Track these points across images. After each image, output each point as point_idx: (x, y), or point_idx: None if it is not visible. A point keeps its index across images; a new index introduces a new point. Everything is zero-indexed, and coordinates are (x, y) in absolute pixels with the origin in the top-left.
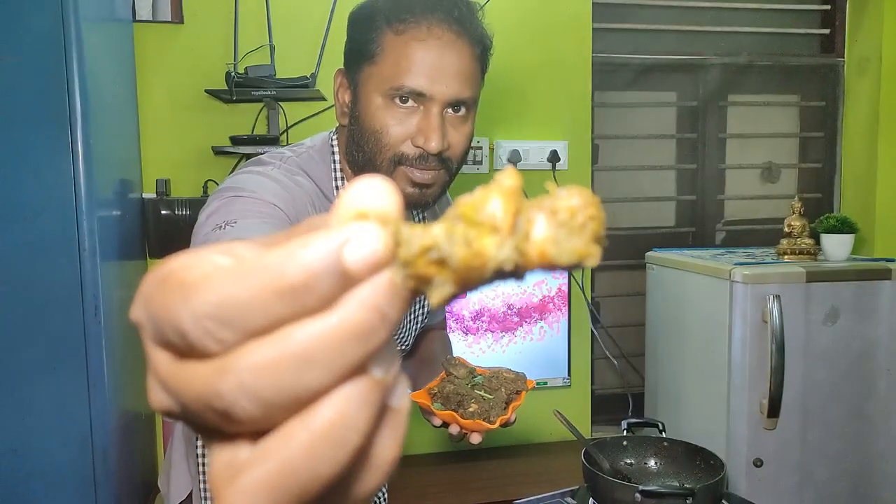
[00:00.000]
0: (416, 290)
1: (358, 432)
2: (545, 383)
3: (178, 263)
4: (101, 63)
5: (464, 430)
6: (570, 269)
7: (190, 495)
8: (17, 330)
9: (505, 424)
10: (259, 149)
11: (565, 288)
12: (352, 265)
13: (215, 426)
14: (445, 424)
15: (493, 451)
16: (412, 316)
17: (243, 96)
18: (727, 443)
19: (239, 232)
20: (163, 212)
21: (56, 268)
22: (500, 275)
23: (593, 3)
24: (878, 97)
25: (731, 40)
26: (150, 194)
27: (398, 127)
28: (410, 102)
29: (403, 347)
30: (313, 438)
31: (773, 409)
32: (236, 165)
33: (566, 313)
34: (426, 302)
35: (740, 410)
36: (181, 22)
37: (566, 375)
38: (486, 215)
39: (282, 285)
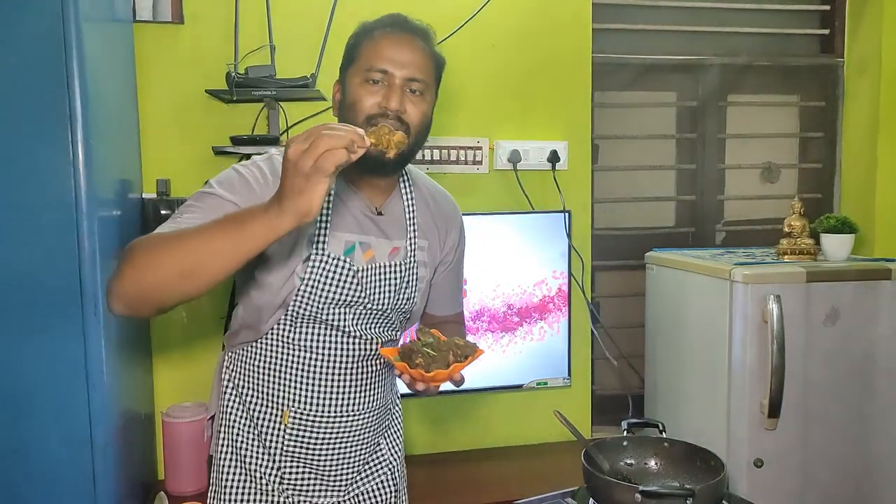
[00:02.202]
0: (377, 146)
1: (324, 184)
2: (545, 383)
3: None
4: (101, 63)
5: (413, 379)
6: (394, 149)
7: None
8: (17, 329)
9: (454, 381)
10: (259, 149)
11: (565, 288)
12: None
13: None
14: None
15: (493, 451)
16: (387, 288)
17: (244, 96)
18: (727, 443)
19: (184, 222)
20: (163, 212)
21: (56, 267)
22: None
23: (593, 3)
24: (878, 97)
25: (731, 40)
26: (150, 194)
27: (369, 97)
28: (379, 83)
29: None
30: (314, 173)
31: (774, 410)
32: None
33: (566, 313)
34: (405, 293)
35: (741, 411)
36: (181, 22)
37: (566, 375)
38: (381, 132)
39: (342, 133)
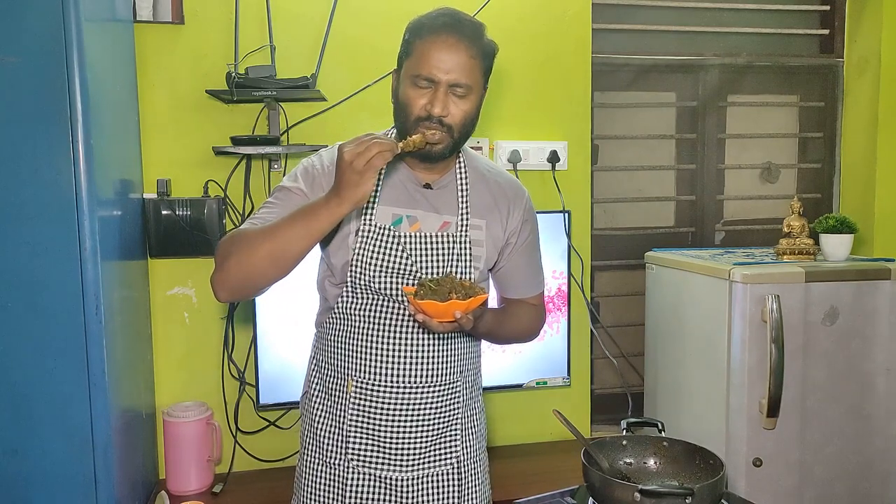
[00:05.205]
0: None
1: (374, 177)
2: (545, 383)
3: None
4: (101, 63)
5: (415, 310)
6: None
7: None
8: (18, 329)
9: (460, 325)
10: (259, 149)
11: (565, 288)
12: (394, 141)
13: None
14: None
15: (493, 451)
16: (443, 255)
17: (244, 96)
18: (726, 442)
19: (259, 218)
20: (163, 212)
21: (57, 267)
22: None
23: (593, 3)
24: (878, 97)
25: (731, 41)
26: (150, 194)
27: (417, 100)
28: (425, 85)
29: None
30: (367, 170)
31: (773, 409)
32: (237, 166)
33: (566, 313)
34: (456, 267)
35: (740, 410)
36: (182, 22)
37: (566, 375)
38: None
39: (378, 145)
